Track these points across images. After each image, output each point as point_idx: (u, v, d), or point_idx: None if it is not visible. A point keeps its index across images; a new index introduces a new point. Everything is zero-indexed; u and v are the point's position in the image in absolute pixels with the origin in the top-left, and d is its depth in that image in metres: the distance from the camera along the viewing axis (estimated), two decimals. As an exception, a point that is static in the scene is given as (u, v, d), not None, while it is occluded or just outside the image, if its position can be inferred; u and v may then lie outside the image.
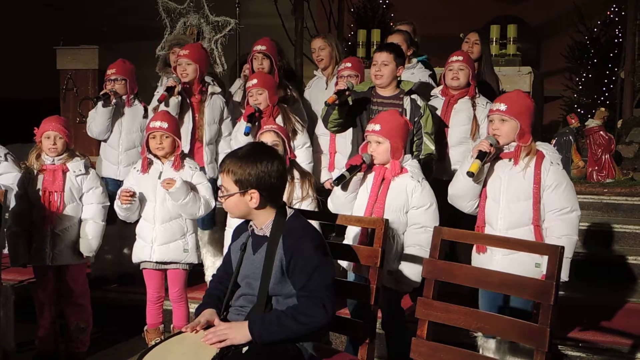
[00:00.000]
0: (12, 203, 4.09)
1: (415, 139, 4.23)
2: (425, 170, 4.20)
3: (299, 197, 3.94)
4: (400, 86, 4.32)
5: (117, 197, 3.99)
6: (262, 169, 2.56)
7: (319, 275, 2.51)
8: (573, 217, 3.31)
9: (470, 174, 3.32)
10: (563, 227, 3.28)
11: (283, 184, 2.69)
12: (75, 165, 4.05)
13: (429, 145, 4.24)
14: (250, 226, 2.72)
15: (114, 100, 4.94)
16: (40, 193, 3.98)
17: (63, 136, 4.02)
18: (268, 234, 2.63)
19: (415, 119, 4.20)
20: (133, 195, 3.91)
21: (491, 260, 3.34)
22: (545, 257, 3.12)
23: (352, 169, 3.54)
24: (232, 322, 2.59)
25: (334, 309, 2.53)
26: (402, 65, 4.32)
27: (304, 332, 2.50)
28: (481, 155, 3.33)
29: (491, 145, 3.35)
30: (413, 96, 4.26)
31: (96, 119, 4.97)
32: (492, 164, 3.42)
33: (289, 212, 2.68)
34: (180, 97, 4.78)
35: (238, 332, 2.49)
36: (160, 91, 4.95)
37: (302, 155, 4.68)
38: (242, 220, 2.78)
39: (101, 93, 4.94)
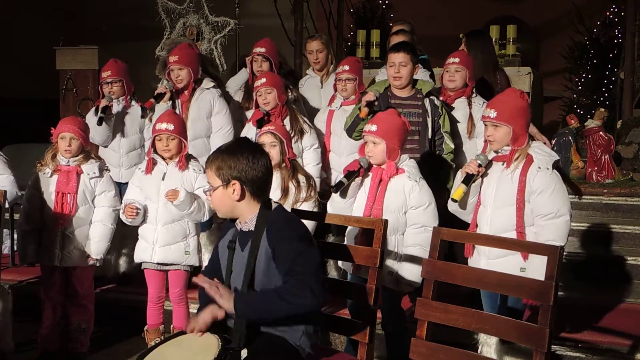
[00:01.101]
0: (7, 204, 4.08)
1: (435, 138, 4.29)
2: (448, 170, 4.24)
3: (302, 199, 3.97)
4: (417, 86, 4.33)
5: (121, 209, 4.01)
6: (244, 161, 2.59)
7: (303, 260, 2.49)
8: (559, 222, 3.23)
9: (454, 200, 3.33)
10: (548, 233, 3.23)
11: (267, 178, 2.68)
12: (90, 167, 4.05)
13: (449, 144, 4.31)
14: (237, 224, 2.71)
15: (114, 110, 4.92)
16: (54, 194, 3.98)
17: (78, 138, 4.00)
18: (253, 229, 2.62)
19: (435, 119, 4.24)
20: (137, 209, 3.93)
21: (478, 264, 3.33)
22: (531, 261, 3.16)
23: (350, 175, 3.55)
24: (222, 290, 2.54)
25: (322, 294, 2.48)
26: (417, 64, 4.33)
27: (288, 311, 2.47)
28: (467, 179, 3.32)
29: (480, 165, 3.33)
30: (431, 97, 4.30)
31: (98, 131, 4.93)
32: (485, 169, 3.41)
33: (274, 206, 2.68)
34: (170, 102, 4.78)
35: (226, 300, 2.48)
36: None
37: (310, 157, 4.67)
38: None
39: (100, 108, 4.82)
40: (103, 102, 4.88)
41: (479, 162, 3.33)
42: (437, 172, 4.25)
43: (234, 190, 2.59)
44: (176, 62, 4.80)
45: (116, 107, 5.01)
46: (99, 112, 4.83)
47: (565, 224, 3.24)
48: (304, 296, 2.43)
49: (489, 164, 3.39)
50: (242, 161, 2.59)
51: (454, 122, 4.52)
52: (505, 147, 3.35)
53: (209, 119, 4.94)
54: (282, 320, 2.55)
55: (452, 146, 4.32)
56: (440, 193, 4.10)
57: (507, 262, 3.23)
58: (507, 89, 3.68)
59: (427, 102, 4.28)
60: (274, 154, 3.94)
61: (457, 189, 3.33)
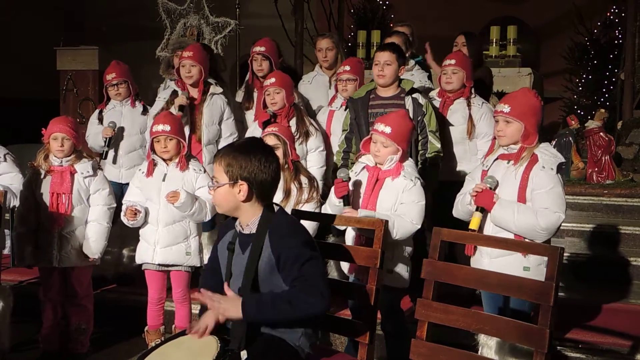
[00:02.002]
0: (12, 203, 4.08)
1: (420, 137, 4.25)
2: (432, 170, 4.23)
3: (304, 200, 3.97)
4: (401, 85, 4.33)
5: (122, 211, 4.01)
6: (255, 163, 2.54)
7: (311, 266, 2.47)
8: (553, 216, 3.20)
9: (472, 230, 3.29)
10: (540, 219, 3.18)
11: (275, 183, 2.64)
12: (83, 166, 4.04)
13: (435, 144, 4.27)
14: (237, 225, 2.68)
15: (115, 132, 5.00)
16: (49, 195, 3.97)
17: (70, 138, 4.00)
18: (254, 231, 2.59)
19: (419, 118, 4.21)
20: (137, 212, 3.93)
21: (480, 263, 3.32)
22: (533, 258, 3.15)
23: (346, 198, 3.56)
24: (227, 296, 2.53)
25: (330, 297, 2.46)
26: (403, 65, 4.33)
27: (299, 316, 2.46)
28: (481, 207, 3.32)
29: (490, 188, 3.32)
30: (414, 95, 4.27)
31: (96, 144, 5.01)
32: (490, 168, 3.41)
33: (275, 209, 2.64)
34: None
35: (232, 307, 2.46)
36: (162, 96, 5.01)
37: (315, 159, 4.65)
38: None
39: (106, 140, 4.93)
40: (107, 132, 4.92)
41: (489, 186, 3.32)
42: (421, 172, 4.21)
43: (240, 190, 2.55)
44: (190, 58, 4.80)
45: (120, 108, 5.08)
46: (105, 145, 4.92)
47: (558, 219, 3.21)
48: (315, 301, 2.42)
49: (495, 160, 3.41)
50: (253, 162, 2.54)
51: (445, 123, 4.50)
52: (512, 146, 3.34)
53: (219, 124, 4.95)
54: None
55: (438, 146, 4.27)
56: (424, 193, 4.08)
57: (510, 260, 3.22)
58: (522, 88, 3.68)
59: (408, 100, 4.26)
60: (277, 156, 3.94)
61: (473, 218, 3.31)
